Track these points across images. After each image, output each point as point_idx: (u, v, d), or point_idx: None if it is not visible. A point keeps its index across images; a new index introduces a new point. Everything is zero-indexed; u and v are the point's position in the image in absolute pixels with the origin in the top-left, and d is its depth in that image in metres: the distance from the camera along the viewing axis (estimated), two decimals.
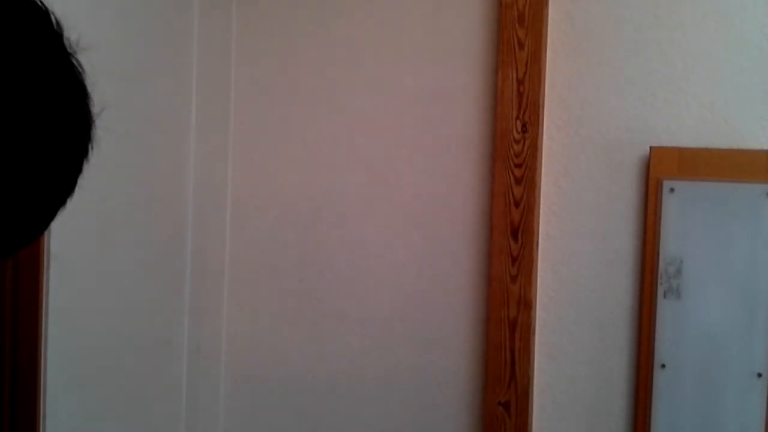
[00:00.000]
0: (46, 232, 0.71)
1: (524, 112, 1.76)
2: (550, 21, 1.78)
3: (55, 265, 1.49)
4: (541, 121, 1.77)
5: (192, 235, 1.92)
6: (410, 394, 1.89)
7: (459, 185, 1.84)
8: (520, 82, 1.76)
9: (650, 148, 1.73)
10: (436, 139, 1.86)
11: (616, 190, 1.77)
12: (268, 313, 1.98)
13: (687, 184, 1.70)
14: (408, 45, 1.87)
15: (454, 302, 1.85)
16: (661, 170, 1.71)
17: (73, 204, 0.62)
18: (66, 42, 0.59)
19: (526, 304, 1.77)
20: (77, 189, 0.61)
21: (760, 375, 1.66)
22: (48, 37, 0.57)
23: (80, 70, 0.59)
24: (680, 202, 1.70)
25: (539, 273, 1.80)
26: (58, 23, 0.58)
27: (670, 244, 1.70)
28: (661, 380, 1.71)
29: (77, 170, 0.60)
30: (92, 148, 0.61)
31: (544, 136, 1.79)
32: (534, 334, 1.80)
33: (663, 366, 1.71)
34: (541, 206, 1.80)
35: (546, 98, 1.78)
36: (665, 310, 1.70)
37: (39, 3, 0.57)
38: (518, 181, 1.77)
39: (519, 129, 1.76)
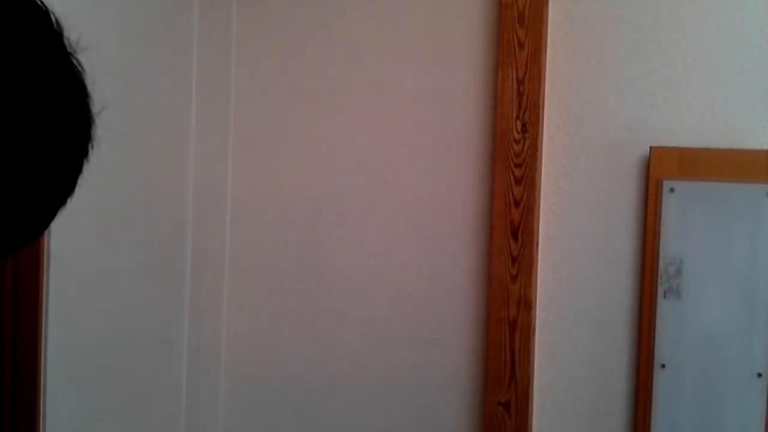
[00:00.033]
0: (46, 232, 0.71)
1: (524, 112, 1.76)
2: (550, 21, 1.78)
3: (55, 265, 1.49)
4: (541, 121, 1.77)
5: (192, 235, 1.92)
6: (410, 394, 1.89)
7: (459, 185, 1.84)
8: (520, 82, 1.76)
9: (650, 148, 1.72)
10: (436, 139, 1.86)
11: (616, 190, 1.77)
12: (268, 313, 1.98)
13: (687, 184, 1.70)
14: (408, 45, 1.87)
15: (454, 302, 1.85)
16: (661, 170, 1.71)
17: (73, 204, 0.62)
18: (66, 42, 0.59)
19: (526, 304, 1.77)
20: (77, 189, 0.61)
21: (760, 375, 1.66)
22: (48, 36, 0.57)
23: (80, 69, 0.59)
24: (680, 202, 1.70)
25: (539, 273, 1.80)
26: (58, 23, 0.58)
27: (670, 244, 1.70)
28: (661, 380, 1.71)
29: (77, 170, 0.60)
30: (92, 148, 0.61)
31: (544, 136, 1.79)
32: (534, 334, 1.80)
33: (663, 366, 1.71)
34: (541, 206, 1.80)
35: (546, 98, 1.78)
36: (665, 310, 1.70)
37: (39, 3, 0.57)
38: (518, 181, 1.77)
39: (519, 129, 1.76)
